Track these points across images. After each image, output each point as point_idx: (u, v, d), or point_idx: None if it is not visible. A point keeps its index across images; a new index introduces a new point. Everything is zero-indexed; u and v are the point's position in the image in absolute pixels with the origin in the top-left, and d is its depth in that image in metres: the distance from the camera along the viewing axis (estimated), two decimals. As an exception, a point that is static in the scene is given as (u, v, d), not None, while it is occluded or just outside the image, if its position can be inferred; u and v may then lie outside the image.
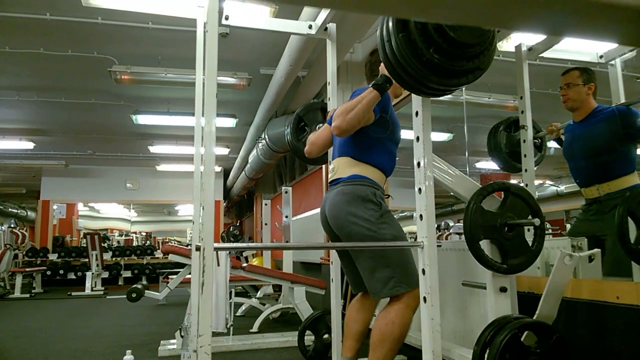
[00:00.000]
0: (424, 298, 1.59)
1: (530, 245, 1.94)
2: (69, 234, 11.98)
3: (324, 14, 2.64)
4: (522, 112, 2.88)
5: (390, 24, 1.48)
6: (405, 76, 1.53)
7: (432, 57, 1.44)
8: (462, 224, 2.11)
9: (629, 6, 0.30)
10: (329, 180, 2.23)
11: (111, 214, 17.37)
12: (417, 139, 1.66)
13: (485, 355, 1.72)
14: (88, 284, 8.08)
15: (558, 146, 2.99)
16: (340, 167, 2.18)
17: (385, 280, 2.02)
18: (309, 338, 3.00)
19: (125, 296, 4.35)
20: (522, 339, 1.74)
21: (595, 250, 2.09)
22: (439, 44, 1.43)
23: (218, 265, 3.44)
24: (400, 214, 13.21)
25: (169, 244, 10.24)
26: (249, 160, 7.68)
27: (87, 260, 8.83)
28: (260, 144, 6.58)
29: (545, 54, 3.06)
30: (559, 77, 2.74)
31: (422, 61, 1.46)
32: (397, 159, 2.30)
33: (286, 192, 4.92)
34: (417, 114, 1.67)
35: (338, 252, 2.34)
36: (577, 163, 2.73)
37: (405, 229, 12.96)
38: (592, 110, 2.62)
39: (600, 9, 0.31)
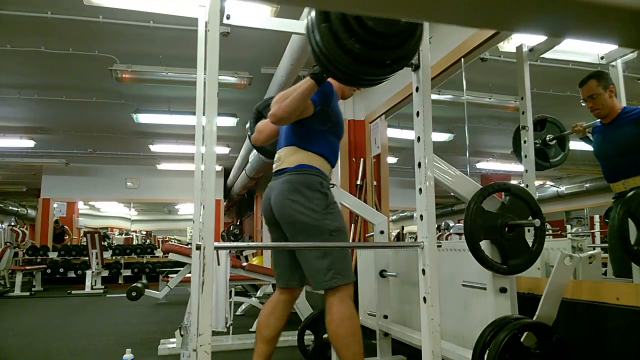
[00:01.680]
0: (424, 298, 1.59)
1: (530, 246, 1.93)
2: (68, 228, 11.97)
3: (325, 13, 2.64)
4: (523, 113, 2.88)
5: (314, 14, 1.49)
6: (331, 67, 1.54)
7: (354, 47, 1.44)
8: (462, 225, 2.12)
9: (629, 8, 0.30)
10: (274, 170, 2.22)
11: (111, 212, 17.37)
12: (418, 139, 1.66)
13: (485, 356, 1.72)
14: (88, 283, 8.09)
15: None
16: (285, 156, 2.17)
17: (324, 271, 2.04)
18: (309, 338, 3.00)
19: (125, 295, 4.36)
20: (521, 340, 1.74)
21: (596, 251, 2.09)
22: (359, 34, 1.42)
23: (218, 264, 3.44)
24: (401, 214, 13.21)
25: (169, 242, 10.25)
26: (250, 160, 7.68)
27: (87, 258, 8.82)
28: (260, 144, 6.56)
29: (547, 55, 3.06)
30: (559, 77, 2.75)
31: (346, 51, 1.46)
32: (338, 153, 2.31)
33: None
34: (418, 114, 1.67)
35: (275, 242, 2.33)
36: (608, 162, 2.78)
37: (406, 229, 12.99)
38: (620, 111, 2.66)
39: (600, 10, 0.31)
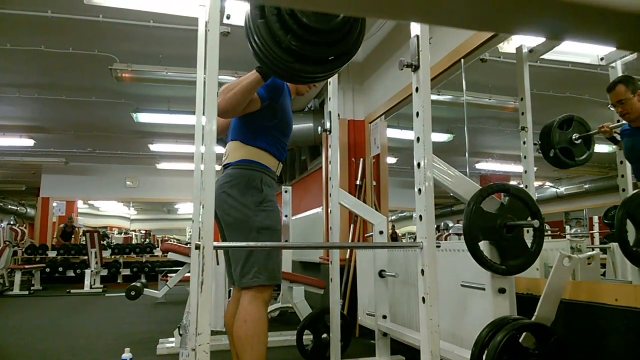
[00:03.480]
0: (423, 298, 1.59)
1: (529, 246, 1.94)
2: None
3: (325, 13, 2.64)
4: (523, 113, 2.88)
5: (249, 11, 1.48)
6: (269, 64, 1.52)
7: (290, 44, 1.42)
8: (461, 225, 2.12)
9: (627, 11, 0.31)
10: (222, 165, 2.21)
11: (111, 211, 17.34)
12: (418, 139, 1.66)
13: (483, 356, 1.72)
14: (87, 282, 8.09)
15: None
16: (230, 151, 2.17)
17: (246, 270, 2.00)
18: (308, 337, 3.00)
19: (124, 294, 4.35)
20: (520, 340, 1.74)
21: (594, 252, 2.09)
22: (295, 31, 1.40)
23: (217, 264, 3.45)
24: (400, 214, 13.20)
25: (168, 242, 10.24)
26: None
27: (86, 257, 8.83)
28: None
29: (546, 56, 3.07)
30: (559, 78, 2.75)
31: (282, 48, 1.44)
32: (287, 150, 2.28)
33: (285, 192, 4.92)
34: (417, 114, 1.67)
35: (221, 238, 2.27)
36: (639, 165, 2.78)
37: (405, 229, 12.95)
38: None
39: (599, 13, 0.31)
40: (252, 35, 1.49)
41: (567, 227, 8.25)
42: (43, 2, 3.97)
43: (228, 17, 2.45)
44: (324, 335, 2.92)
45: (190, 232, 11.64)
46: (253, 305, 1.98)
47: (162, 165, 10.34)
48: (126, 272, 9.77)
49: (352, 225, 4.40)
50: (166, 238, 16.33)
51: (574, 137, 2.96)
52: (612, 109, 2.69)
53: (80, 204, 13.95)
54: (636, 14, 0.32)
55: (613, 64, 2.99)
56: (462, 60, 3.10)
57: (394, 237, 11.36)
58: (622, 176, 2.90)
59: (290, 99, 2.29)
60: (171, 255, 4.09)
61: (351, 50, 1.56)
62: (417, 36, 1.61)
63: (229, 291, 4.05)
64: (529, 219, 1.94)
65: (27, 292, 7.64)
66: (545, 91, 4.54)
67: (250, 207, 2.04)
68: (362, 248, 3.67)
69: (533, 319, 1.86)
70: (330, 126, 2.75)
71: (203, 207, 1.51)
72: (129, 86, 5.95)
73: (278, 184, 2.30)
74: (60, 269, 9.41)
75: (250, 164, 2.10)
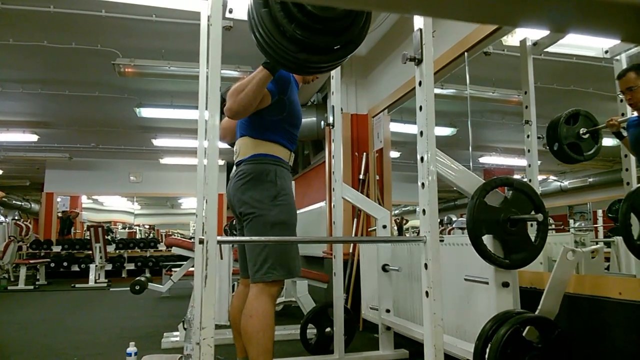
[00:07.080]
0: (426, 292, 1.59)
1: (533, 240, 1.94)
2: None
3: (328, 7, 2.63)
4: (527, 107, 2.87)
5: (253, 0, 1.45)
6: (274, 54, 1.50)
7: (295, 33, 1.39)
8: (465, 219, 2.11)
9: (631, 3, 0.30)
10: (235, 162, 2.21)
11: (114, 206, 17.38)
12: (421, 133, 1.66)
13: (487, 350, 1.72)
14: (92, 276, 8.13)
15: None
16: (241, 148, 2.16)
17: (260, 264, 2.01)
18: (312, 331, 3.01)
19: (128, 288, 4.38)
20: (524, 334, 1.74)
21: (598, 246, 2.09)
22: (300, 19, 1.38)
23: (221, 258, 3.46)
24: (403, 209, 13.18)
25: (172, 236, 10.27)
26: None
27: (90, 252, 8.87)
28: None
29: (550, 49, 3.05)
30: (563, 71, 2.73)
31: (287, 38, 1.42)
32: (297, 140, 2.27)
33: (289, 186, 4.92)
34: (420, 108, 1.66)
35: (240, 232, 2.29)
36: None
37: (408, 224, 12.91)
38: None
39: (603, 6, 0.31)
40: (256, 26, 1.47)
41: (571, 221, 8.23)
42: (45, -3, 3.97)
43: (230, 11, 2.44)
44: (328, 329, 2.93)
45: (194, 226, 11.68)
46: (260, 300, 1.99)
47: (166, 160, 10.35)
48: (130, 266, 9.81)
49: (355, 220, 4.40)
50: (170, 233, 16.37)
51: (581, 132, 2.95)
52: (620, 96, 2.68)
53: (84, 199, 13.99)
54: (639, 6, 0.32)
55: (617, 57, 2.97)
56: (465, 53, 3.09)
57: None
58: (627, 170, 2.89)
59: (297, 90, 2.28)
60: (175, 250, 4.11)
61: (357, 39, 1.54)
62: (421, 29, 1.60)
63: (233, 285, 4.07)
64: (533, 212, 1.94)
65: (32, 287, 7.69)
66: (549, 84, 4.52)
67: (265, 202, 2.03)
68: (366, 242, 3.67)
69: (537, 312, 1.86)
70: (334, 120, 2.75)
71: (206, 201, 1.51)
72: (132, 81, 5.95)
73: (292, 173, 2.29)
74: (65, 263, 9.46)
75: (263, 158, 2.09)
